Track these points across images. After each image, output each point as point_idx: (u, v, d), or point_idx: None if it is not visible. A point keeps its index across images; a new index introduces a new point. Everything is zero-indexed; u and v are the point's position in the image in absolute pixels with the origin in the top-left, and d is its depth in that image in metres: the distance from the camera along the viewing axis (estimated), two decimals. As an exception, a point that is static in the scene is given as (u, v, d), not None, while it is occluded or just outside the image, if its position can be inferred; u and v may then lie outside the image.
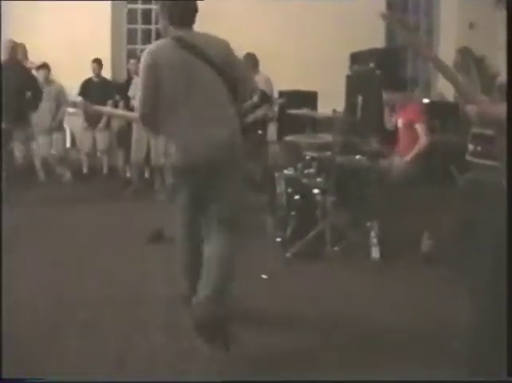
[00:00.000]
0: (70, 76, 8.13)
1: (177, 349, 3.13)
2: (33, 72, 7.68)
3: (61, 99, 7.98)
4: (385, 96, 5.54)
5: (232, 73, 3.19)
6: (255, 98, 6.06)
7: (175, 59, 3.09)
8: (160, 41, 3.24)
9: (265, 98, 6.55)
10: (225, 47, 3.21)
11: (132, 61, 7.87)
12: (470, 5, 9.15)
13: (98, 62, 8.23)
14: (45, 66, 8.00)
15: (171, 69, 3.09)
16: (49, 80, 8.02)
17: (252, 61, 7.30)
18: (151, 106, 3.13)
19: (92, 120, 8.16)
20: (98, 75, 8.28)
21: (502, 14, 2.13)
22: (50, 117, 7.95)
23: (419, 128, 5.18)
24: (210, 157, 3.11)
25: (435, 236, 4.69)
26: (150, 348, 3.14)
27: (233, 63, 3.23)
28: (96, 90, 8.11)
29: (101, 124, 8.18)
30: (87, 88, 8.19)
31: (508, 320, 2.29)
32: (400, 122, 5.38)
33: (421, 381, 2.44)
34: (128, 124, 7.44)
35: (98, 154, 8.40)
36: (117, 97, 8.02)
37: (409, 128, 5.27)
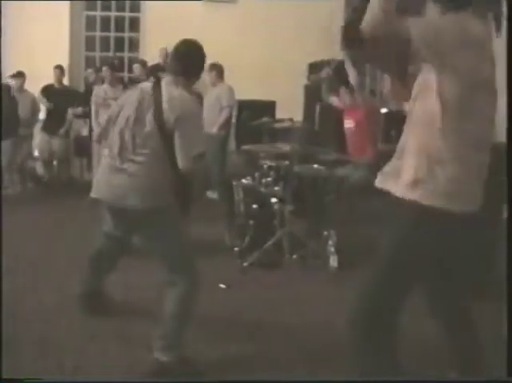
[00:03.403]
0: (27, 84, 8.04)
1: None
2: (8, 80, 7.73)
3: (34, 107, 7.93)
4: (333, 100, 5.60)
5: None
6: None
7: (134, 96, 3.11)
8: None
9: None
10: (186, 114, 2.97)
11: (90, 70, 7.78)
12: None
13: (60, 69, 8.09)
14: (20, 75, 7.90)
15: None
16: (23, 89, 7.94)
17: (217, 70, 7.32)
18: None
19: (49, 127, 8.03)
20: (60, 82, 8.14)
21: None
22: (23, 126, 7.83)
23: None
24: (113, 201, 3.09)
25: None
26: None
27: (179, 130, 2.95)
28: (57, 97, 7.98)
29: (62, 131, 8.03)
30: (48, 94, 8.03)
31: (508, 320, 2.32)
32: (350, 123, 5.42)
33: (421, 381, 2.45)
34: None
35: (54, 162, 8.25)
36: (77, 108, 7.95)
37: (358, 130, 5.31)
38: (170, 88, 3.02)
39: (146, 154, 2.97)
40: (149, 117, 2.97)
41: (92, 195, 3.19)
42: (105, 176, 3.12)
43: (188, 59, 3.11)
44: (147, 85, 3.13)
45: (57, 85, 8.14)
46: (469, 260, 3.59)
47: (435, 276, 2.39)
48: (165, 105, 2.94)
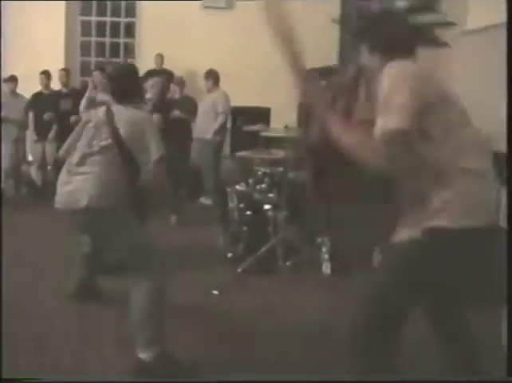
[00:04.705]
0: (22, 89, 8.04)
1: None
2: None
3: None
4: None
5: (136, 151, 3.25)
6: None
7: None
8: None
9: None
10: (140, 128, 3.24)
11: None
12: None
13: (46, 74, 8.08)
14: (13, 79, 7.91)
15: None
16: (15, 93, 7.98)
17: (213, 77, 7.34)
18: None
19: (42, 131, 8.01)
20: (47, 87, 8.13)
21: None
22: (17, 130, 7.90)
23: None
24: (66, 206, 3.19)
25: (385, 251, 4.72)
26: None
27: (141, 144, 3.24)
28: (46, 102, 7.95)
29: (51, 135, 8.01)
30: (38, 102, 8.01)
31: (508, 320, 2.30)
32: None
33: (421, 381, 2.44)
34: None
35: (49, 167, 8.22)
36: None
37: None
38: (119, 110, 3.32)
39: (97, 162, 3.17)
40: (105, 134, 3.21)
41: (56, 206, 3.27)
42: (60, 187, 3.25)
43: (120, 82, 3.45)
44: (101, 110, 3.37)
45: (45, 91, 8.13)
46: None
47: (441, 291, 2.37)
48: (118, 125, 3.22)
